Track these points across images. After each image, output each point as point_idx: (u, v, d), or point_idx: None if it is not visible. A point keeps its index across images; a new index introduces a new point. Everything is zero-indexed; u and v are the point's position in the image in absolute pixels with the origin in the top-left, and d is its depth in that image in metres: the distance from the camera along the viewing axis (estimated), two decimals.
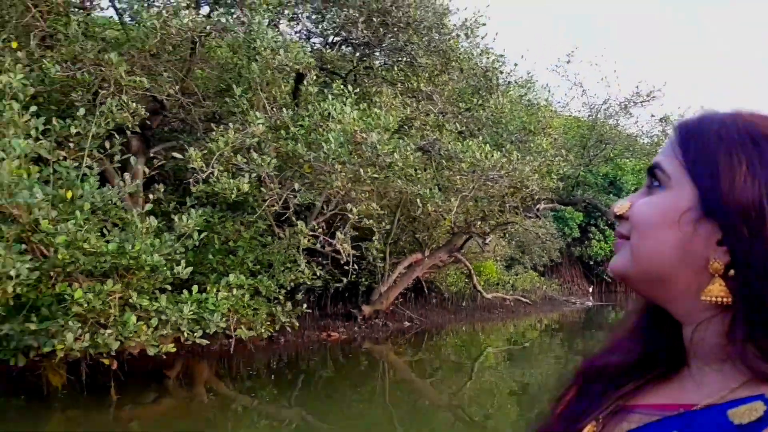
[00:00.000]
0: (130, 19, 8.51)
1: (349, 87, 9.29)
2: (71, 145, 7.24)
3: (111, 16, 9.72)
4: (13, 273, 6.22)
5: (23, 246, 6.50)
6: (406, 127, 10.45)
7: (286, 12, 10.29)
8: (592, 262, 24.60)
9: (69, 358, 7.34)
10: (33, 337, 6.88)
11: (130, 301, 7.32)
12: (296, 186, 8.43)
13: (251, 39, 8.42)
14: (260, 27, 8.52)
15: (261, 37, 8.46)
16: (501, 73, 11.95)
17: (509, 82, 12.41)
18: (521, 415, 9.39)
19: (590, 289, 24.86)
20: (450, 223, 10.72)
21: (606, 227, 22.71)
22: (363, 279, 13.62)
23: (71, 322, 6.76)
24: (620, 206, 0.84)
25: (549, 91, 28.50)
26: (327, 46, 11.71)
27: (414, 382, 11.64)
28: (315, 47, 11.33)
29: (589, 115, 16.45)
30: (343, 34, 11.24)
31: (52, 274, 6.79)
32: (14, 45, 7.93)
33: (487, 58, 11.77)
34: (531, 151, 11.12)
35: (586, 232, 23.69)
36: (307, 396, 9.76)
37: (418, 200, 9.60)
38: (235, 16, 8.66)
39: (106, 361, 7.46)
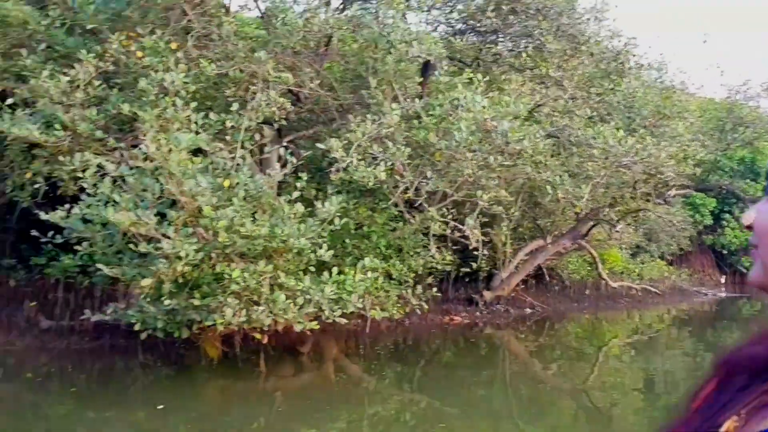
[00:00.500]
0: (274, 18, 9.08)
1: (479, 75, 9.41)
2: (227, 137, 7.89)
3: (257, 16, 10.38)
4: (182, 254, 6.95)
5: (190, 230, 7.21)
6: (535, 114, 10.43)
7: (413, 3, 10.54)
8: (725, 251, 23.26)
9: (225, 332, 8.07)
10: (195, 311, 7.63)
11: (279, 281, 7.91)
12: (428, 173, 8.71)
13: (386, 32, 8.74)
14: (394, 20, 8.82)
15: (395, 30, 8.76)
16: (633, 56, 11.62)
17: (641, 65, 12.02)
18: (647, 405, 9.20)
19: (722, 280, 23.54)
20: (580, 209, 10.61)
21: (741, 215, 21.37)
22: (484, 265, 13.73)
23: (229, 299, 7.44)
24: (747, 216, 0.79)
25: (684, 73, 27.26)
26: (454, 35, 11.87)
27: (535, 368, 11.63)
28: (442, 36, 11.52)
29: (726, 97, 15.54)
30: (471, 22, 11.35)
31: (212, 255, 7.48)
32: (174, 46, 8.72)
33: (618, 40, 11.49)
34: (665, 136, 10.75)
35: (719, 219, 22.42)
36: (428, 378, 10.03)
37: (548, 187, 9.60)
38: (370, 11, 9.01)
39: (258, 336, 8.12)
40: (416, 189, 8.98)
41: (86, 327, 10.38)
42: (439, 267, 9.74)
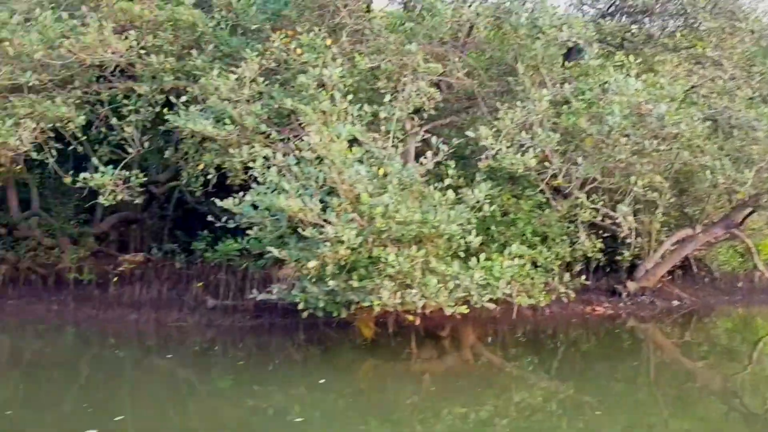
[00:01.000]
0: (422, 10, 9.32)
1: (631, 57, 9.15)
2: (382, 128, 8.23)
3: (401, 6, 10.67)
4: (344, 238, 7.38)
5: (349, 216, 7.63)
6: (692, 96, 9.97)
7: None
8: None
9: (379, 313, 8.47)
10: (353, 293, 8.07)
11: (430, 265, 8.18)
12: (579, 160, 8.61)
13: (534, 17, 8.71)
14: (543, 5, 8.77)
15: (543, 15, 8.71)
16: None
17: None
18: None
19: None
20: (743, 196, 10.03)
21: None
22: (628, 254, 13.29)
23: (385, 282, 7.80)
24: None
25: None
26: (602, 17, 11.57)
27: (681, 365, 11.10)
28: (589, 19, 11.26)
29: None
30: (619, 3, 11.02)
31: (369, 239, 7.86)
32: (328, 42, 9.20)
33: None
34: None
35: None
36: (568, 368, 9.87)
37: (706, 172, 9.18)
38: None
39: (411, 318, 8.45)
40: (565, 175, 8.91)
41: (247, 306, 11.25)
42: (590, 255, 9.59)
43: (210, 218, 8.74)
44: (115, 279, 12.49)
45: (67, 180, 9.81)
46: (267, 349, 9.98)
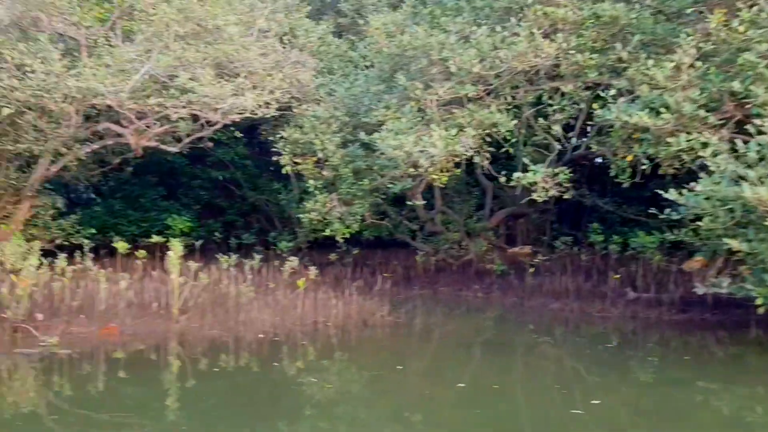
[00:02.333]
0: None
1: None
2: None
3: None
4: None
5: None
6: None
7: None
8: None
9: None
10: None
11: None
12: None
13: None
14: None
15: None
16: None
17: None
18: None
19: None
20: None
21: None
22: None
23: None
24: None
25: None
26: None
27: None
28: None
29: None
30: None
31: None
32: None
33: None
34: None
35: None
36: None
37: None
38: None
39: None
40: None
41: (672, 299, 10.91)
42: None
43: (652, 210, 8.69)
44: (532, 269, 13.27)
45: (501, 180, 10.76)
46: (705, 345, 9.49)
